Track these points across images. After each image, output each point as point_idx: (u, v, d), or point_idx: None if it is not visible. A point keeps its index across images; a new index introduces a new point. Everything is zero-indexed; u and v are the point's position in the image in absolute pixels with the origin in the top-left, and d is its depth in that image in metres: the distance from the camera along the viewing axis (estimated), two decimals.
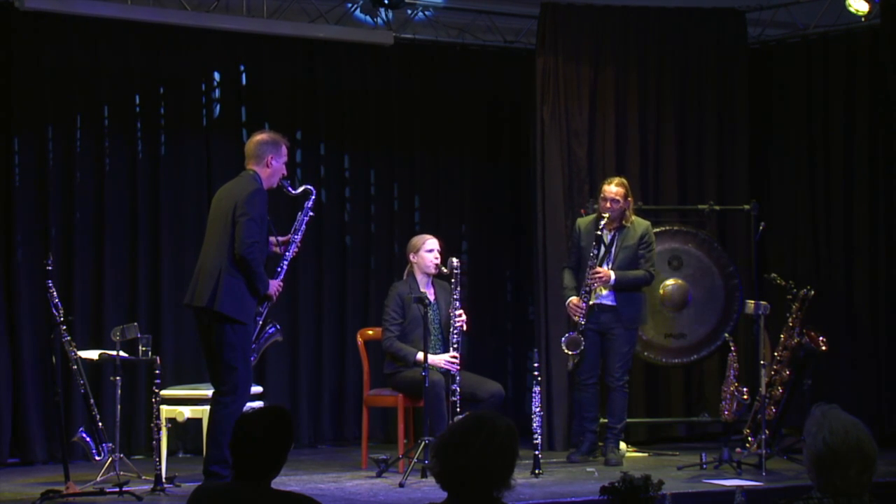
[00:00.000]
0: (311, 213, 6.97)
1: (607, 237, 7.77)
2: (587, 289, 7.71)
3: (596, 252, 7.70)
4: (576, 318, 7.75)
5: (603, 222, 7.72)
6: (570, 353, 7.74)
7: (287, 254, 6.86)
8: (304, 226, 6.92)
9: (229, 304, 6.45)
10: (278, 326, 6.90)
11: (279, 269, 6.82)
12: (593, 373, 7.88)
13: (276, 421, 3.53)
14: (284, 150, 6.74)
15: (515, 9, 9.35)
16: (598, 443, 7.98)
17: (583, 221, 8.00)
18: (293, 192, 6.92)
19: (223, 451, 6.27)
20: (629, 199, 7.80)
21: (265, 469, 3.46)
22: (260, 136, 6.77)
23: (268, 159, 6.65)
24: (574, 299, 7.78)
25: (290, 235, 6.88)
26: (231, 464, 3.64)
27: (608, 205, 7.72)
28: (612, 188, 7.75)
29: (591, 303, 7.74)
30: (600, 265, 7.71)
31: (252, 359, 6.71)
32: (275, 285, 6.69)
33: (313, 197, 6.97)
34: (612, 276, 7.69)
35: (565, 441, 8.41)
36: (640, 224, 7.88)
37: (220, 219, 6.57)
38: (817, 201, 9.20)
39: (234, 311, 6.47)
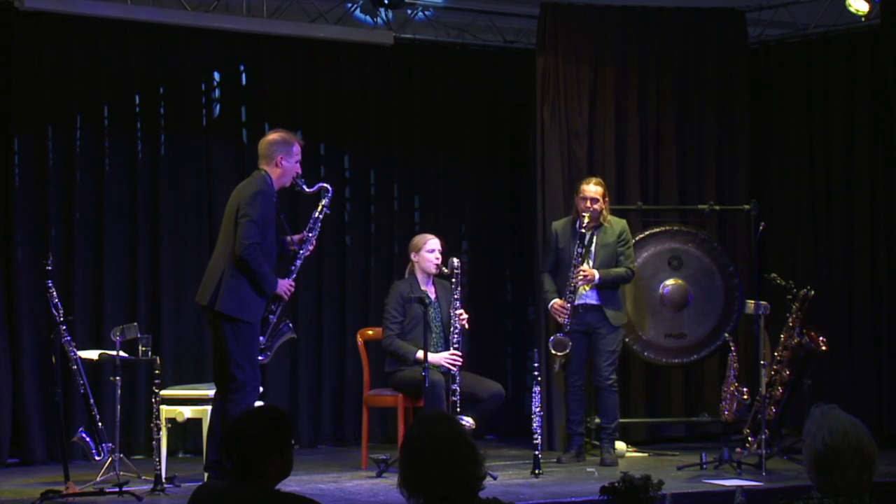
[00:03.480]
0: (327, 211, 6.95)
1: (587, 237, 7.79)
2: (571, 288, 7.74)
3: (579, 251, 7.73)
4: (560, 320, 7.77)
5: (584, 221, 7.74)
6: (557, 354, 7.76)
7: (301, 252, 6.84)
8: (319, 223, 6.90)
9: (231, 303, 6.48)
10: (291, 325, 6.89)
11: (292, 268, 6.80)
12: (581, 374, 7.93)
13: (269, 421, 3.49)
14: (296, 149, 6.72)
15: (515, 9, 9.35)
16: (587, 441, 8.06)
17: (558, 224, 8.06)
18: (308, 190, 6.87)
19: None
20: (606, 198, 7.86)
21: (258, 470, 3.43)
22: (271, 136, 6.76)
23: (277, 159, 6.64)
24: (557, 301, 7.81)
25: (303, 233, 6.87)
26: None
27: (588, 204, 7.77)
28: (592, 187, 7.81)
29: (575, 303, 7.76)
30: (582, 264, 7.74)
31: (265, 357, 6.71)
32: (285, 285, 6.68)
33: (329, 195, 6.93)
34: (597, 274, 7.72)
35: (565, 441, 8.40)
36: (617, 223, 7.96)
37: (227, 220, 6.62)
38: (817, 201, 9.20)
39: (237, 310, 6.49)
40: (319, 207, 6.90)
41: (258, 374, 6.67)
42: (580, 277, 7.70)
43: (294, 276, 6.80)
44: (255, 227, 6.45)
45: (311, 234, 6.86)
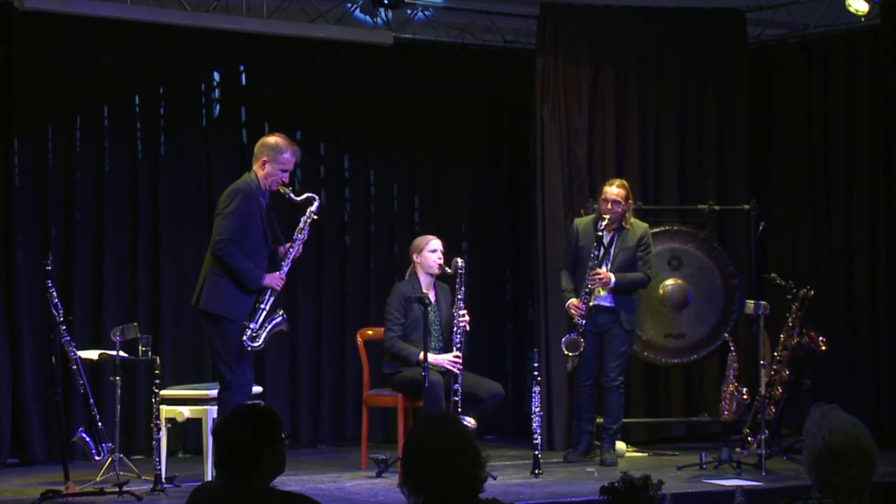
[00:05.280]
0: (314, 217, 6.90)
1: (606, 238, 7.76)
2: (587, 290, 7.71)
3: (596, 253, 7.70)
4: (576, 320, 7.75)
5: (603, 223, 7.71)
6: (570, 354, 7.75)
7: (291, 252, 6.81)
8: (307, 226, 6.84)
9: (213, 301, 6.51)
10: (285, 315, 6.79)
11: (284, 264, 6.75)
12: (590, 374, 7.90)
13: (255, 420, 3.47)
14: (287, 156, 6.61)
15: (515, 9, 9.35)
16: (595, 443, 8.00)
17: (581, 222, 8.00)
18: (296, 199, 6.80)
19: None
20: (629, 201, 7.81)
21: (250, 469, 3.42)
22: (265, 138, 6.73)
23: (261, 161, 6.62)
24: (574, 301, 7.78)
25: (294, 235, 6.83)
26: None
27: (609, 206, 7.71)
28: (614, 190, 7.75)
29: (590, 304, 7.74)
30: (599, 266, 7.71)
31: (259, 345, 6.61)
32: (275, 278, 6.65)
33: (317, 203, 6.85)
34: (613, 278, 7.69)
35: (565, 441, 8.41)
36: (638, 226, 7.88)
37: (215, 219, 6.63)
38: (817, 201, 9.20)
39: (218, 308, 6.51)
40: (307, 213, 6.83)
41: (248, 374, 6.65)
42: (596, 280, 7.68)
43: (284, 272, 6.73)
44: (227, 222, 6.45)
45: (298, 235, 6.80)
